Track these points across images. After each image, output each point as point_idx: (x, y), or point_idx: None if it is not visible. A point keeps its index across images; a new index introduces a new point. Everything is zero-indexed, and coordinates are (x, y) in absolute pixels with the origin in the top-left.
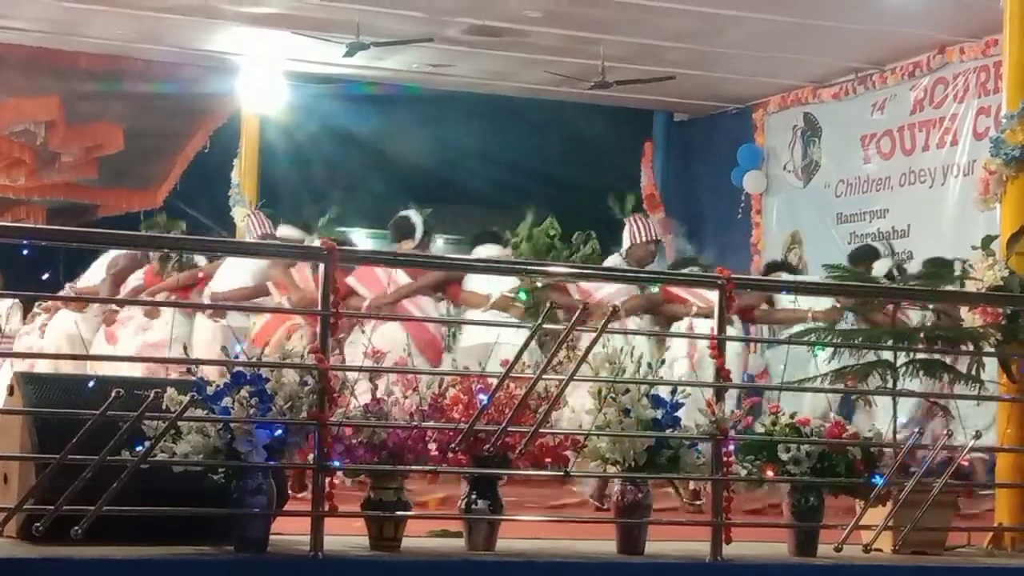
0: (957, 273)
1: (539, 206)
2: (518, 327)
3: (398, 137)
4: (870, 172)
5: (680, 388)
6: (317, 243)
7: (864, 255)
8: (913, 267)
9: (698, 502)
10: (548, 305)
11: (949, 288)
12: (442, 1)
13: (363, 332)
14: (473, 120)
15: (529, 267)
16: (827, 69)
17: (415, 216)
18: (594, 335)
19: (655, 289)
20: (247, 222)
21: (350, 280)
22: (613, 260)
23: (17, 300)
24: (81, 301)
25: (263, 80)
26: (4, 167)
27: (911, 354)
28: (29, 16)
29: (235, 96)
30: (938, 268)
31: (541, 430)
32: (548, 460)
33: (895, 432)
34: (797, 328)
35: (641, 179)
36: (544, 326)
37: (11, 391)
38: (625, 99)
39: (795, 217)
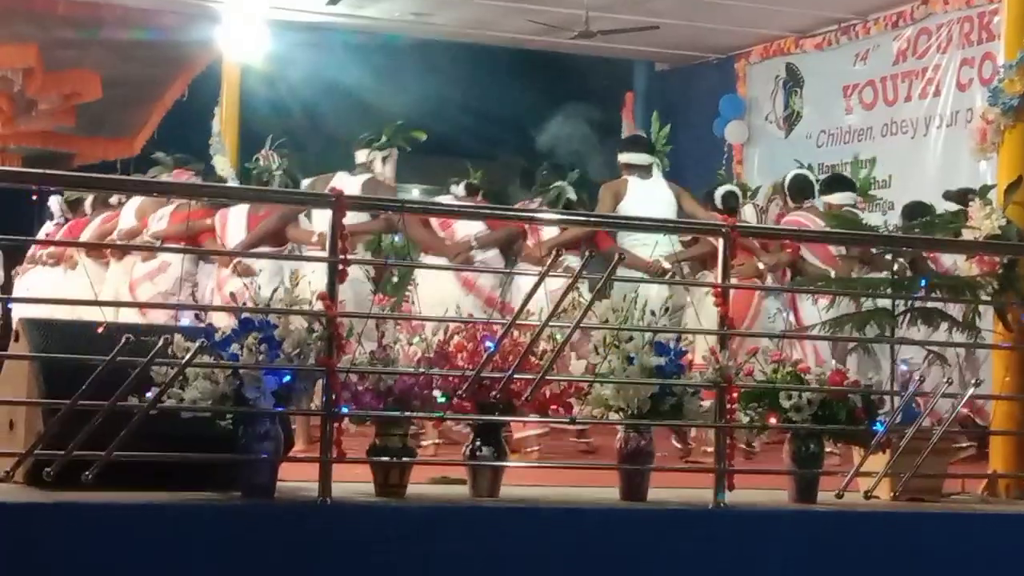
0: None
1: (518, 156)
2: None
3: (379, 86)
4: (852, 123)
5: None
6: None
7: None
8: (893, 218)
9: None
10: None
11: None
12: None
13: None
14: (455, 69)
15: (530, 216)
16: (810, 19)
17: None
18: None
19: None
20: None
21: None
22: None
23: None
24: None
25: (244, 28)
26: None
27: (909, 302)
28: None
29: (215, 44)
30: (923, 215)
31: (547, 377)
32: (555, 407)
33: (893, 380)
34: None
35: (622, 130)
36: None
37: (16, 337)
38: (606, 49)
39: (776, 167)
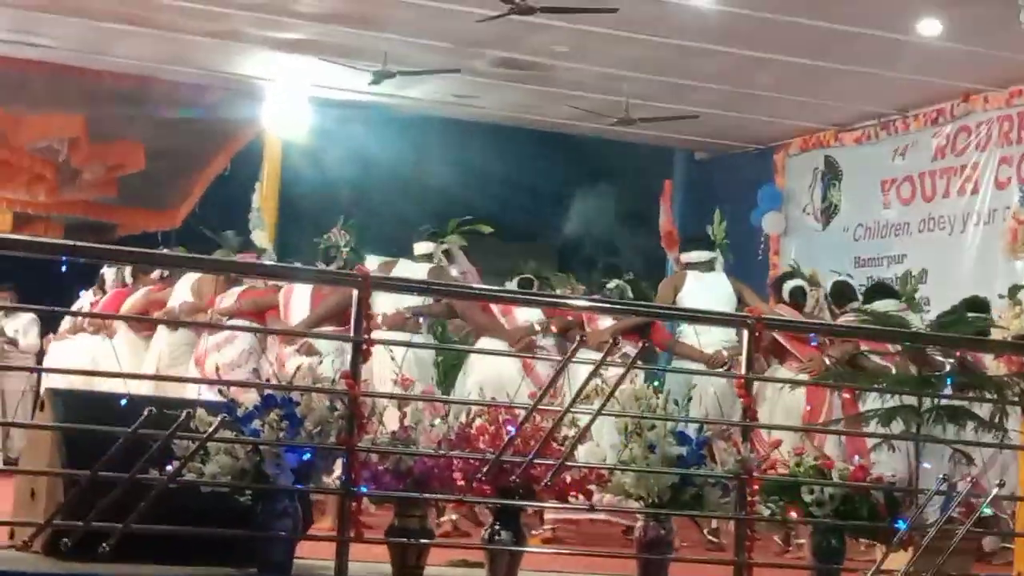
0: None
1: (555, 238)
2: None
3: (419, 164)
4: (889, 217)
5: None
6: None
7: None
8: (929, 314)
9: (715, 540)
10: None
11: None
12: (470, 33)
13: None
14: (495, 150)
15: (545, 300)
16: (850, 113)
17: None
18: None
19: None
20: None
21: None
22: None
23: (34, 316)
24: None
25: (287, 104)
26: (25, 182)
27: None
28: (57, 34)
29: (258, 120)
30: (974, 309)
31: (567, 463)
32: (573, 493)
33: (917, 477)
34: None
35: (660, 216)
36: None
37: (42, 406)
38: (646, 136)
39: (813, 259)
